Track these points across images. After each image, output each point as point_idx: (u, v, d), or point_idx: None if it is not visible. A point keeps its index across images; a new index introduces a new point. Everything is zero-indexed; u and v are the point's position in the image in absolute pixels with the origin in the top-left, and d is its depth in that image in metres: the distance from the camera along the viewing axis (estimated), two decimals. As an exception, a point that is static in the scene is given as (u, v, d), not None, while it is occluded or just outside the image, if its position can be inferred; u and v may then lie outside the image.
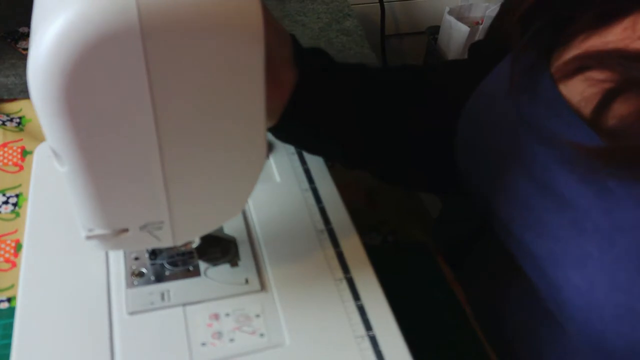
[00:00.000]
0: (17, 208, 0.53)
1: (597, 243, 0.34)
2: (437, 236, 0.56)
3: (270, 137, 0.46)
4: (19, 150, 0.58)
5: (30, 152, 0.58)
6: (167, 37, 0.24)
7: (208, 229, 0.35)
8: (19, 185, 0.55)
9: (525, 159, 0.39)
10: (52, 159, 0.28)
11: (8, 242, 0.50)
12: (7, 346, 0.38)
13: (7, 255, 0.49)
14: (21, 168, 0.57)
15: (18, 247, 0.49)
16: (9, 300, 0.45)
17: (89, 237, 0.31)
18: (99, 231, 0.31)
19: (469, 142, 0.47)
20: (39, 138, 0.59)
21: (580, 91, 0.37)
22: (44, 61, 0.24)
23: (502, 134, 0.42)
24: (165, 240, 0.33)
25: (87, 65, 0.24)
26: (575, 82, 0.37)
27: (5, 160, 0.57)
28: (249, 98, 0.29)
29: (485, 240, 0.54)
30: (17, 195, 0.54)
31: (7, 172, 0.56)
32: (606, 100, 0.35)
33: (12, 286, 0.46)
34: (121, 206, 0.30)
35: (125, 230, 0.31)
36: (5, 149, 0.58)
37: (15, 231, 0.51)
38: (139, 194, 0.30)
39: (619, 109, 0.35)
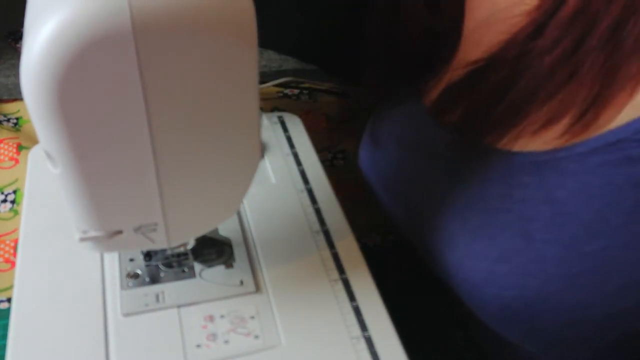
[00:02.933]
0: (15, 206, 0.53)
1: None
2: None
3: (265, 137, 0.46)
4: (15, 145, 0.57)
5: (27, 148, 0.57)
6: (160, 40, 0.24)
7: (203, 230, 0.35)
8: (16, 181, 0.55)
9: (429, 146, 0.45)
10: (46, 161, 0.28)
11: (7, 242, 0.50)
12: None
13: (6, 255, 0.49)
14: (17, 162, 0.56)
15: (18, 246, 0.49)
16: (9, 300, 0.45)
17: (82, 239, 0.31)
18: (93, 233, 0.31)
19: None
20: (34, 139, 0.59)
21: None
22: (36, 63, 0.24)
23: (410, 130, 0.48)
24: (160, 242, 0.33)
25: (79, 68, 0.24)
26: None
27: (2, 157, 0.57)
28: (243, 99, 0.29)
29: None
30: (14, 192, 0.54)
31: (4, 168, 0.56)
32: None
33: (12, 286, 0.46)
34: (115, 208, 0.30)
35: (119, 232, 0.31)
36: (1, 145, 0.58)
37: (15, 230, 0.50)
38: (133, 195, 0.30)
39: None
